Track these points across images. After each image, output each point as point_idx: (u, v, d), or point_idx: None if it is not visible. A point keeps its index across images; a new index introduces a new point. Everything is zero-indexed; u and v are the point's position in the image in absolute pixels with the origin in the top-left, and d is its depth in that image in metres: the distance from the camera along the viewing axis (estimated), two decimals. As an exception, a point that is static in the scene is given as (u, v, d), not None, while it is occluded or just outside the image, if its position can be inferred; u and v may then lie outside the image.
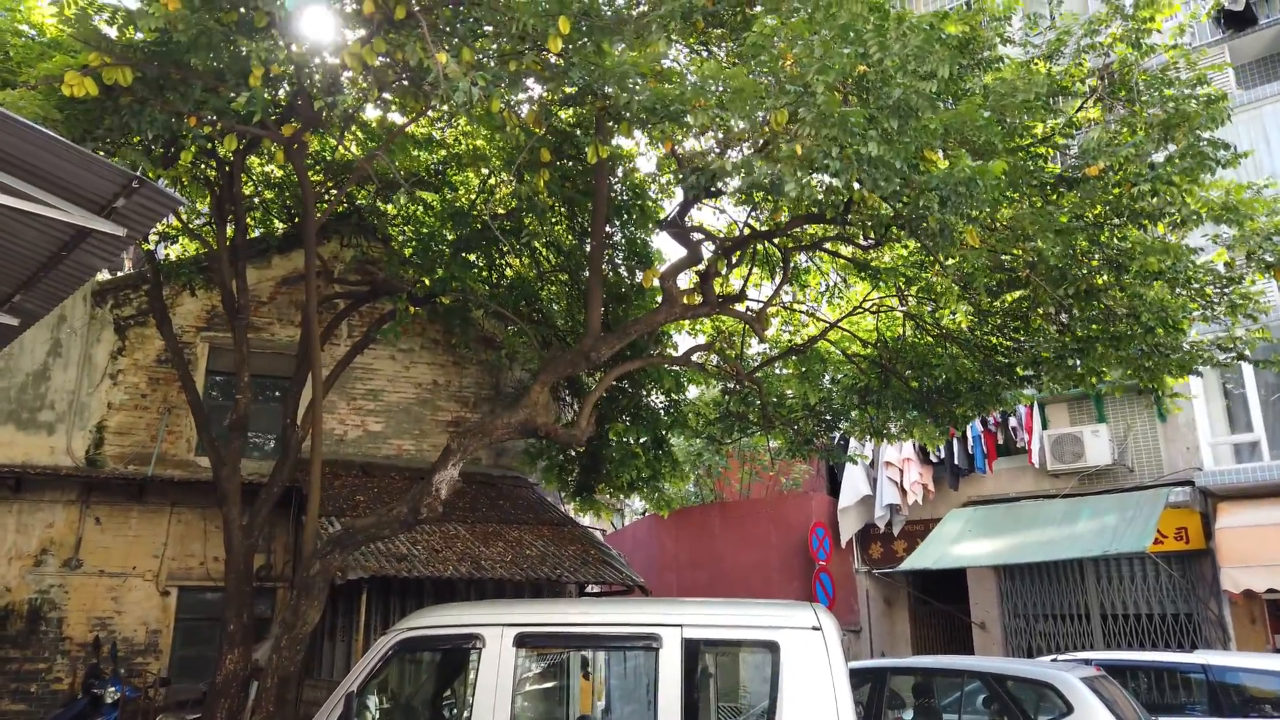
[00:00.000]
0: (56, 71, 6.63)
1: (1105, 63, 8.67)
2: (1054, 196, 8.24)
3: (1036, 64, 8.61)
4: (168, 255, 12.94)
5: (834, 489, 17.86)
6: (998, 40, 8.50)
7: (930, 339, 11.08)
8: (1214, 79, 8.48)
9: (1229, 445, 13.56)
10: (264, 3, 6.51)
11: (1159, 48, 8.46)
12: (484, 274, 12.21)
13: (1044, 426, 14.93)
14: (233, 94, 7.06)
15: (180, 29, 6.53)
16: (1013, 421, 15.25)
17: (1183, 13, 8.53)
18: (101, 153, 7.25)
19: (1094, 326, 9.00)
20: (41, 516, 11.68)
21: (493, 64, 7.22)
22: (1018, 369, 10.38)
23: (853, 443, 15.88)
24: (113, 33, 7.27)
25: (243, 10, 6.86)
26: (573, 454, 13.36)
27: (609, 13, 7.27)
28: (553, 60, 7.44)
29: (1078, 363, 9.73)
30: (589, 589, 13.43)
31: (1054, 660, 9.39)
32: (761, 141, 7.02)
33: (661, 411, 13.04)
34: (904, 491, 16.01)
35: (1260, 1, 14.08)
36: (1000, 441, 15.56)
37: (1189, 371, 9.51)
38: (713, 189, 8.79)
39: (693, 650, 5.65)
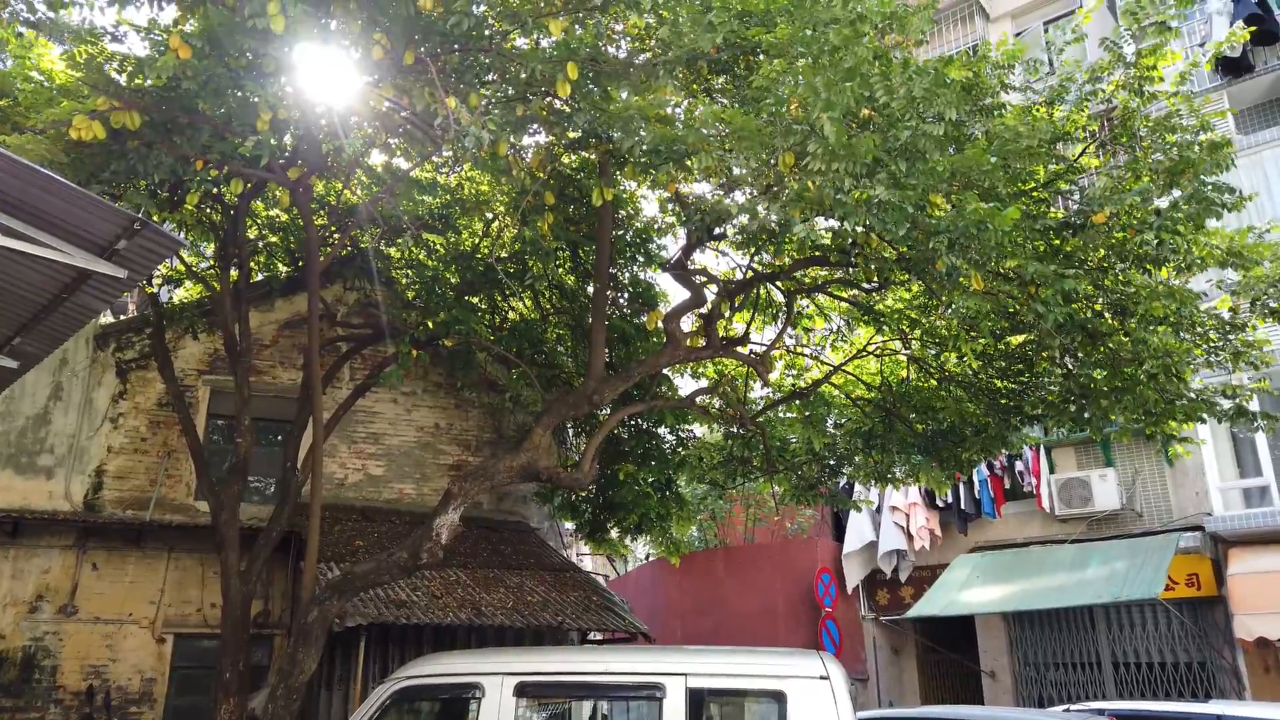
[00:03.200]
0: (64, 116, 6.66)
1: (1108, 109, 8.72)
2: (1057, 241, 8.24)
3: (1038, 110, 8.66)
4: (171, 299, 12.95)
5: (839, 534, 17.67)
6: (1000, 87, 8.56)
7: (934, 382, 11.02)
8: (1215, 124, 8.51)
9: (1238, 490, 13.42)
10: (273, 49, 6.56)
11: (1161, 95, 8.51)
12: (487, 317, 12.19)
13: (1051, 471, 14.80)
14: (240, 138, 7.10)
15: (189, 75, 6.58)
16: (1019, 465, 15.12)
17: (1183, 61, 8.59)
18: (107, 196, 7.27)
19: (1099, 371, 8.95)
20: (38, 562, 11.53)
21: (498, 109, 7.26)
22: (1024, 410, 10.31)
23: (857, 488, 15.74)
24: (122, 79, 7.32)
25: (251, 56, 6.92)
26: (584, 494, 13.25)
27: (614, 59, 7.33)
28: (558, 105, 7.48)
29: (1084, 405, 9.66)
30: (591, 636, 13.21)
31: (1067, 711, 9.18)
32: (766, 184, 7.03)
33: (669, 451, 12.94)
34: (910, 537, 15.83)
35: (1257, 49, 14.23)
36: (1007, 486, 15.42)
37: (1194, 419, 9.44)
38: (716, 231, 8.79)
39: (697, 700, 5.53)
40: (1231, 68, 14.31)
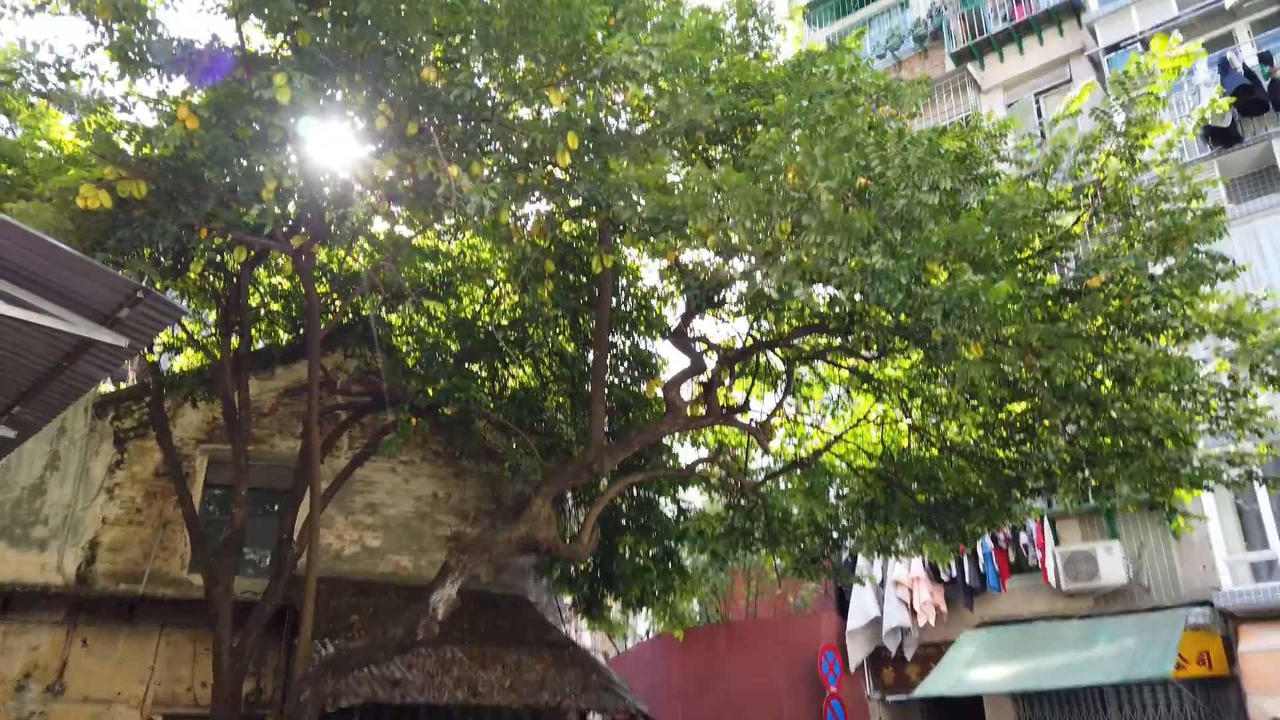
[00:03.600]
0: (72, 184, 6.75)
1: (1100, 178, 8.84)
2: (1054, 308, 8.27)
3: (1029, 184, 8.78)
4: (171, 367, 12.95)
5: (843, 609, 17.32)
6: (994, 156, 8.70)
7: (936, 452, 10.94)
8: (1206, 193, 8.62)
9: (1246, 564, 13.20)
10: (279, 119, 6.67)
11: (1151, 164, 8.64)
12: (487, 384, 12.17)
13: (1056, 543, 14.59)
14: (244, 207, 7.17)
15: (196, 145, 6.68)
16: (1024, 538, 14.91)
17: (1172, 130, 8.74)
18: (111, 264, 7.32)
19: (1102, 439, 8.89)
20: (28, 639, 11.27)
21: (500, 177, 7.36)
22: (1027, 482, 10.21)
23: (861, 562, 15.50)
24: (129, 148, 7.43)
25: (257, 126, 7.04)
26: (584, 566, 13.04)
27: (615, 128, 7.46)
28: (559, 174, 7.58)
29: (1088, 475, 9.58)
30: (591, 717, 12.85)
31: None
32: (764, 251, 7.08)
33: (670, 522, 12.78)
34: (914, 612, 15.51)
35: (1245, 120, 14.50)
36: (1012, 559, 15.18)
37: (1200, 487, 9.35)
38: (715, 298, 8.83)
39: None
40: (1221, 138, 14.56)
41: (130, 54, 6.52)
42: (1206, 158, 14.58)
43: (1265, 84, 14.29)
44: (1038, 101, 18.31)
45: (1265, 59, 14.54)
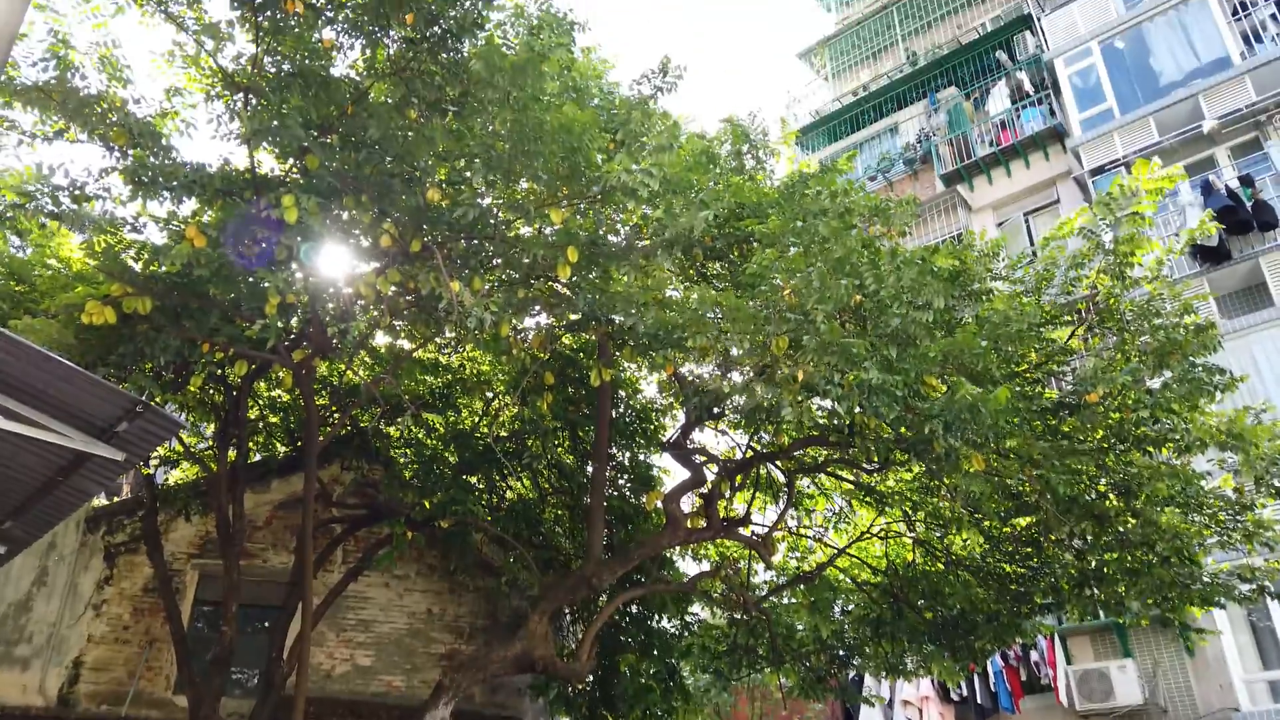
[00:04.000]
0: (78, 301, 6.85)
1: (1092, 294, 8.99)
2: (1054, 421, 8.28)
3: (1023, 299, 8.92)
4: (167, 480, 12.86)
5: (850, 730, 16.71)
6: (986, 274, 8.86)
7: (941, 566, 10.77)
8: (1198, 308, 8.77)
9: (1264, 682, 12.82)
10: (285, 237, 6.83)
11: (1141, 280, 8.80)
12: (484, 497, 12.06)
13: (1068, 661, 14.20)
14: (247, 322, 7.26)
15: (203, 263, 6.82)
16: (1034, 655, 14.52)
17: (1160, 248, 8.93)
18: (112, 378, 7.36)
19: (1109, 554, 8.77)
20: (4, 762, 10.85)
21: (501, 292, 7.49)
22: (1035, 597, 10.02)
23: (868, 681, 15.04)
24: (137, 265, 7.58)
25: (263, 245, 7.20)
26: (582, 686, 12.63)
27: (614, 245, 7.62)
28: (559, 288, 7.71)
29: (1096, 591, 9.41)
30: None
31: None
32: (762, 366, 7.14)
33: (672, 638, 12.45)
34: (925, 733, 14.97)
35: (1233, 238, 14.83)
36: (1024, 678, 14.74)
37: (1212, 603, 9.17)
38: (715, 411, 8.85)
39: None
40: (1210, 256, 14.87)
41: (143, 178, 6.74)
42: (1196, 274, 14.86)
43: (1248, 205, 14.69)
44: (1027, 221, 18.79)
45: (1246, 181, 15.00)
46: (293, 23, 6.97)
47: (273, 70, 7.29)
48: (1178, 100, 16.47)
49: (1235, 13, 16.96)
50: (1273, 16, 16.44)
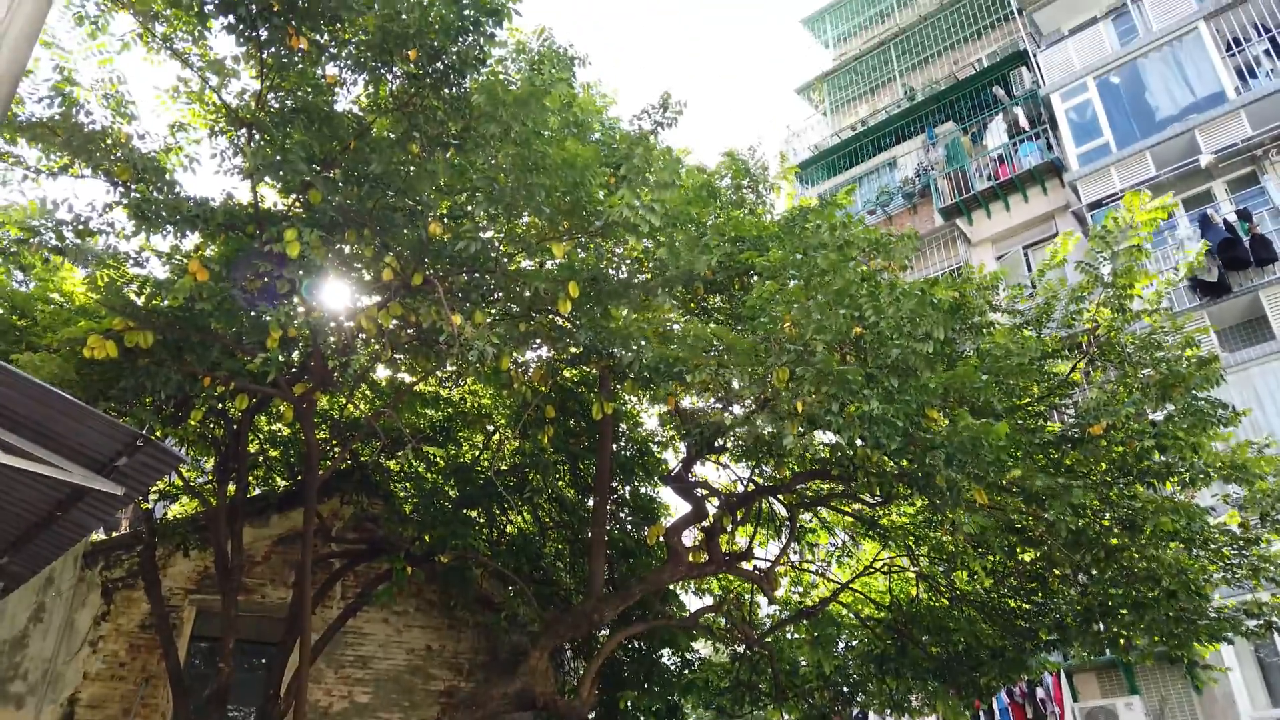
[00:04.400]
0: (80, 335, 6.85)
1: (1092, 327, 9.00)
2: (1056, 455, 8.24)
3: (1025, 332, 8.93)
4: (166, 514, 12.79)
5: (854, 769, 16.45)
6: (986, 307, 8.87)
7: (946, 601, 10.67)
8: (1200, 341, 8.77)
9: (1273, 719, 12.65)
10: (287, 271, 6.85)
11: (1141, 314, 8.81)
12: (485, 531, 11.99)
13: (1074, 698, 14.02)
14: (248, 356, 7.26)
15: (205, 297, 6.84)
16: (1040, 692, 14.34)
17: (1158, 280, 8.95)
18: (113, 412, 7.35)
19: (1114, 590, 8.70)
20: (-4, 803, 10.68)
21: (502, 325, 7.49)
22: (1040, 633, 9.91)
23: (872, 718, 14.84)
24: (139, 300, 7.59)
25: (265, 279, 7.21)
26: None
27: (615, 279, 7.64)
28: (560, 322, 7.71)
29: (1101, 627, 9.31)
30: None
31: None
32: (763, 398, 7.12)
33: (673, 673, 12.30)
34: (931, 772, 14.75)
35: (1232, 273, 14.87)
36: (1030, 715, 14.55)
37: (1219, 639, 9.07)
38: (716, 444, 8.82)
39: None
40: (1209, 290, 14.90)
41: (147, 212, 6.77)
42: (1196, 308, 14.89)
43: (1246, 239, 14.75)
44: (1026, 254, 18.86)
45: (1244, 215, 15.07)
46: (296, 59, 7.04)
47: (276, 106, 7.35)
48: (1174, 135, 16.61)
49: (1229, 48, 17.15)
50: (1267, 52, 16.62)
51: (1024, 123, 19.85)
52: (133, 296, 7.54)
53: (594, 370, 9.42)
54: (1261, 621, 9.15)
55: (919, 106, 22.23)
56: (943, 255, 19.36)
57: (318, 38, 6.95)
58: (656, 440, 11.85)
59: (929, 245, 19.50)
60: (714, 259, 7.13)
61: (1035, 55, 20.05)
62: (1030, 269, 18.34)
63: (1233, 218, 15.09)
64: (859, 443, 6.67)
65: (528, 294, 7.44)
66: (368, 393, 11.44)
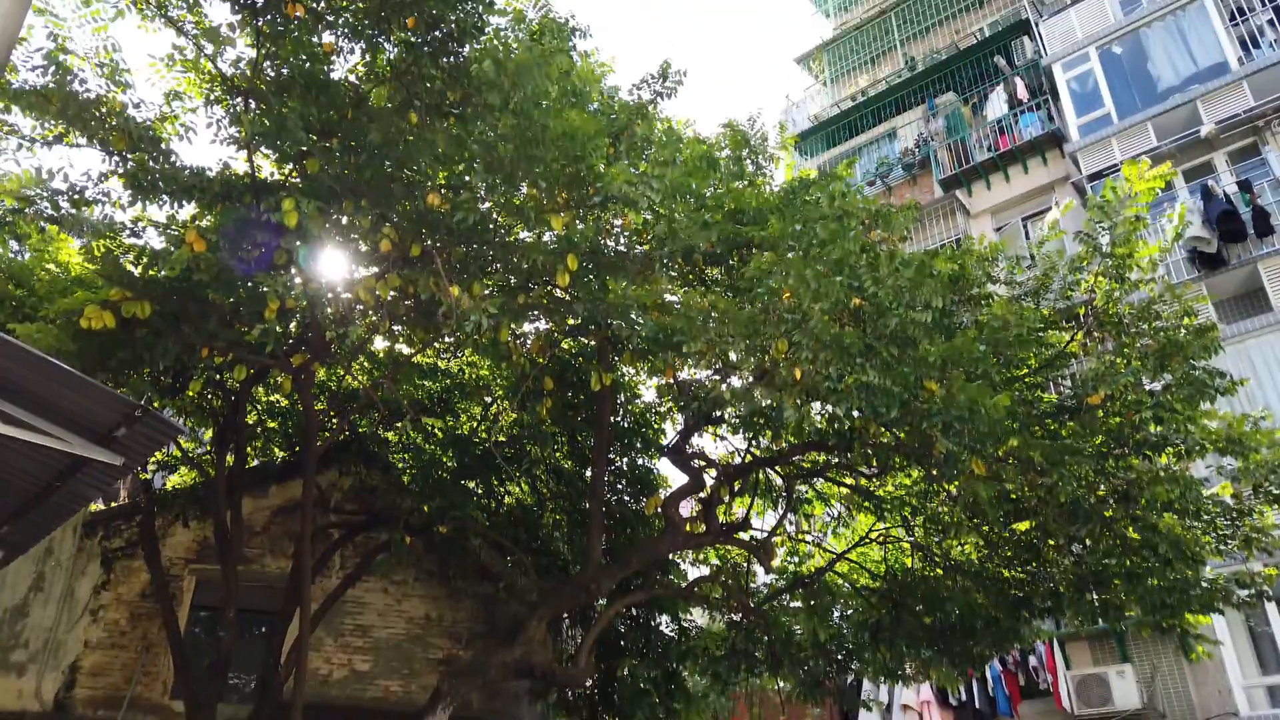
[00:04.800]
0: (77, 306, 6.83)
1: (1090, 297, 9.00)
2: (1054, 426, 8.28)
3: (1022, 304, 8.92)
4: (165, 485, 12.82)
5: (849, 735, 16.67)
6: (985, 278, 8.86)
7: (940, 571, 10.76)
8: (1198, 311, 8.78)
9: (1263, 687, 12.82)
10: (285, 242, 6.82)
11: (1139, 283, 8.80)
12: (483, 502, 12.04)
13: (1067, 666, 14.19)
14: (246, 326, 7.25)
15: (203, 268, 6.81)
16: (1033, 661, 14.51)
17: (1156, 248, 8.93)
18: (111, 383, 7.34)
19: (1108, 560, 8.77)
20: (0, 767, 10.79)
21: (500, 296, 7.48)
22: (1034, 603, 10.00)
23: (866, 685, 15.01)
24: (136, 270, 7.56)
25: (263, 249, 7.18)
26: (581, 691, 12.60)
27: (613, 251, 7.62)
28: (558, 294, 7.70)
29: (1095, 596, 9.39)
30: None
31: None
32: (761, 369, 7.13)
33: (671, 642, 12.43)
34: (924, 739, 14.96)
35: (1230, 245, 14.85)
36: (1022, 683, 14.73)
37: (1211, 610, 9.16)
38: (713, 416, 8.84)
39: None
40: (1207, 262, 14.89)
41: (143, 182, 6.72)
42: (1194, 279, 14.88)
43: (1247, 210, 14.71)
44: (1025, 226, 18.81)
45: (1245, 186, 15.02)
46: (293, 27, 6.96)
47: (272, 74, 7.28)
48: (1176, 105, 16.51)
49: (1233, 18, 17.01)
50: (1270, 22, 16.50)
51: (1025, 93, 19.72)
52: (130, 267, 7.50)
53: (592, 342, 9.42)
54: (1253, 591, 9.23)
55: (919, 76, 22.06)
56: (942, 226, 19.31)
57: (314, 5, 6.87)
58: (654, 412, 11.87)
59: (928, 216, 19.44)
60: (714, 235, 7.11)
61: (1037, 24, 19.89)
62: (1030, 241, 18.31)
63: (1233, 189, 15.05)
64: (856, 414, 6.69)
65: (526, 266, 7.42)
66: (366, 364, 11.43)
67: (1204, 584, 8.98)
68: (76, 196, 7.07)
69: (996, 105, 20.16)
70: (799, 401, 6.46)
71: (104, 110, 6.97)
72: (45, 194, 6.79)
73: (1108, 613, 9.56)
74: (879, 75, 24.35)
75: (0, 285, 8.08)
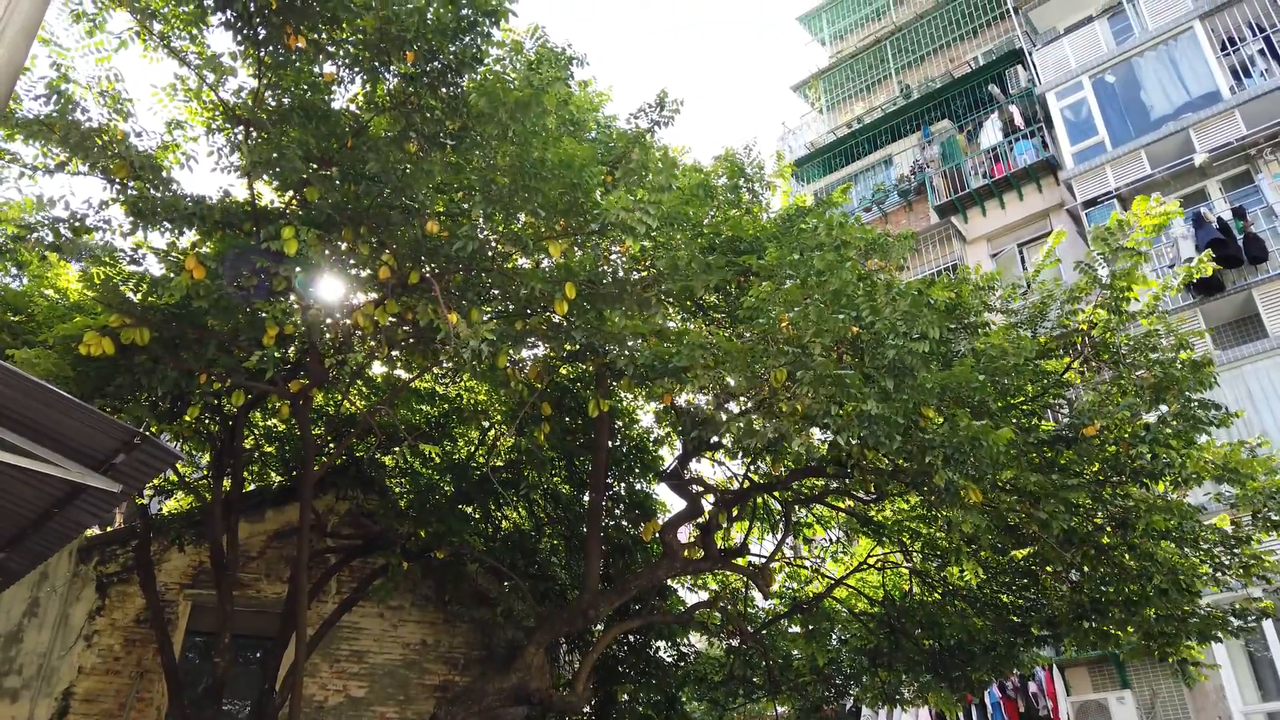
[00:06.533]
0: (75, 332, 6.86)
1: (1087, 327, 9.04)
2: (1051, 454, 8.29)
3: (1019, 332, 8.96)
4: (161, 510, 12.79)
5: (847, 763, 16.54)
6: (982, 307, 8.91)
7: (939, 596, 10.74)
8: (1193, 342, 8.80)
9: (1263, 714, 12.75)
10: (284, 269, 6.86)
11: (1138, 315, 8.85)
12: (480, 527, 12.02)
13: (1066, 692, 14.11)
14: (245, 352, 7.27)
15: (202, 295, 6.84)
16: (1033, 686, 14.43)
17: (1156, 284, 8.99)
18: (109, 409, 7.35)
19: (1106, 588, 8.76)
20: (-9, 795, 10.70)
21: (498, 323, 7.51)
22: (1032, 629, 9.98)
23: (865, 711, 14.93)
24: (135, 297, 7.59)
25: (262, 276, 7.22)
26: (579, 718, 12.52)
27: (611, 279, 7.66)
28: (556, 320, 7.74)
29: (1093, 623, 9.38)
30: None
31: None
32: (760, 398, 7.16)
33: (669, 666, 12.36)
34: (923, 766, 14.85)
35: (1225, 271, 14.93)
36: (1022, 709, 14.64)
37: (1209, 638, 9.14)
38: (712, 442, 8.86)
39: None
40: (1203, 288, 14.96)
41: (144, 209, 6.77)
42: (1190, 306, 14.95)
43: (1239, 238, 14.81)
44: (1021, 252, 18.91)
45: (1238, 214, 15.12)
46: (294, 57, 7.04)
47: (273, 104, 7.35)
48: (1169, 134, 16.66)
49: (1224, 47, 17.20)
50: (1261, 51, 16.67)
51: (1019, 121, 19.88)
52: (129, 293, 7.54)
53: (590, 368, 9.45)
54: (1253, 617, 9.20)
55: (915, 104, 22.25)
56: (938, 253, 19.40)
57: (315, 36, 6.95)
58: (652, 437, 11.88)
59: (924, 243, 19.54)
60: (714, 280, 7.15)
61: (1031, 54, 20.09)
62: (1025, 266, 18.40)
63: (1227, 216, 15.15)
64: (855, 442, 6.71)
65: (524, 293, 7.46)
66: (364, 389, 11.45)
67: (1202, 612, 8.96)
68: (77, 224, 7.11)
69: (991, 133, 20.33)
70: (798, 427, 6.49)
71: (106, 139, 7.03)
72: (46, 221, 6.83)
73: (1105, 637, 9.54)
74: (875, 103, 24.55)
75: None
